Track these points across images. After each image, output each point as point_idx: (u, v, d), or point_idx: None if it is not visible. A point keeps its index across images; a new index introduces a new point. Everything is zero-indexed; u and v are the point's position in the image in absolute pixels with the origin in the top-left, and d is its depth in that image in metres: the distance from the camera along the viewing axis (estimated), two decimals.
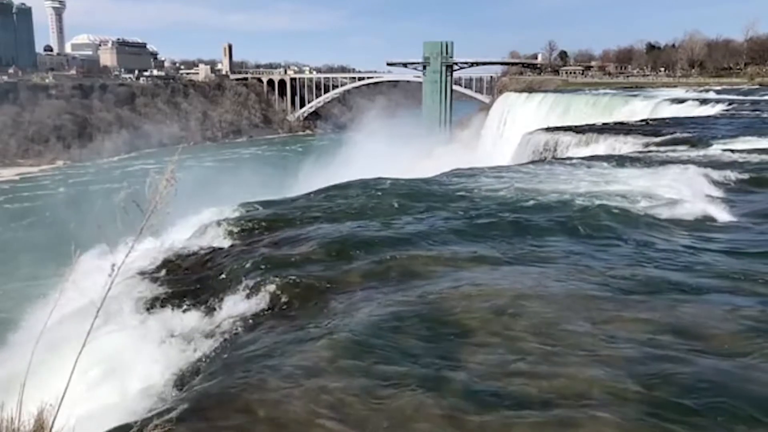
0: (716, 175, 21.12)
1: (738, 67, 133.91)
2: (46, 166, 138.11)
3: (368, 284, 11.71)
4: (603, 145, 33.59)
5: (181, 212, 18.30)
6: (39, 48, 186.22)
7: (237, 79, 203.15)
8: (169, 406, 7.95)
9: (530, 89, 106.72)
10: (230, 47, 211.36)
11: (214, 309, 11.41)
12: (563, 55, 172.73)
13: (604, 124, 44.59)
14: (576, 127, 42.46)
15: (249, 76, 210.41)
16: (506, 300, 10.15)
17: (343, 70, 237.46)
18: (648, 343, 8.59)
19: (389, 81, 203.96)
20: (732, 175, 21.34)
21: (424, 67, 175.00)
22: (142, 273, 13.56)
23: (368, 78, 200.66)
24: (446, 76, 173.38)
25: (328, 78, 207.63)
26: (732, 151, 27.15)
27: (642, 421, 6.86)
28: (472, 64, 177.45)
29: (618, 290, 10.66)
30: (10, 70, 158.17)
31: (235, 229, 16.22)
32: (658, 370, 7.83)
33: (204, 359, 9.69)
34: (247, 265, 12.96)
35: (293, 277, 12.06)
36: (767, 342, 8.55)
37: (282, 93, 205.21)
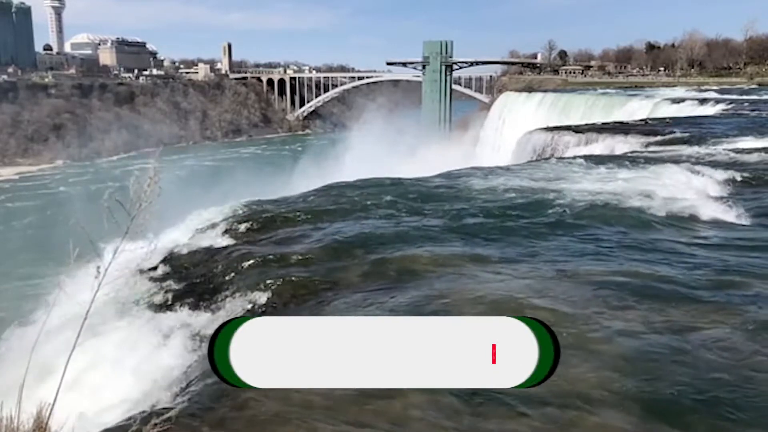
0: (715, 173, 21.11)
1: (737, 67, 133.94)
2: (45, 165, 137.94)
3: (367, 283, 11.74)
4: (602, 145, 33.62)
5: (181, 211, 18.33)
6: (38, 47, 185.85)
7: (236, 79, 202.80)
8: (168, 405, 7.96)
9: (530, 89, 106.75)
10: (229, 46, 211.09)
11: (214, 308, 11.43)
12: (563, 54, 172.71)
13: (603, 123, 44.56)
14: (575, 126, 42.46)
15: (248, 75, 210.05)
16: (505, 299, 10.17)
17: (342, 69, 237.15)
18: (648, 342, 8.61)
19: (389, 80, 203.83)
20: (731, 174, 21.33)
21: (424, 67, 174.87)
22: (141, 273, 13.56)
23: (368, 77, 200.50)
24: (446, 75, 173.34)
25: (328, 77, 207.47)
26: (731, 150, 27.17)
27: (643, 421, 6.88)
28: (471, 64, 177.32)
29: (618, 289, 10.66)
30: (10, 69, 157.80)
31: (234, 229, 16.24)
32: (658, 369, 7.85)
33: (203, 358, 9.70)
34: (246, 265, 12.99)
35: (292, 277, 12.09)
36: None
37: (281, 92, 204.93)
